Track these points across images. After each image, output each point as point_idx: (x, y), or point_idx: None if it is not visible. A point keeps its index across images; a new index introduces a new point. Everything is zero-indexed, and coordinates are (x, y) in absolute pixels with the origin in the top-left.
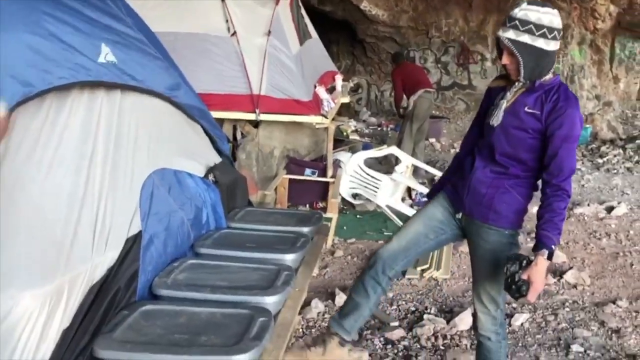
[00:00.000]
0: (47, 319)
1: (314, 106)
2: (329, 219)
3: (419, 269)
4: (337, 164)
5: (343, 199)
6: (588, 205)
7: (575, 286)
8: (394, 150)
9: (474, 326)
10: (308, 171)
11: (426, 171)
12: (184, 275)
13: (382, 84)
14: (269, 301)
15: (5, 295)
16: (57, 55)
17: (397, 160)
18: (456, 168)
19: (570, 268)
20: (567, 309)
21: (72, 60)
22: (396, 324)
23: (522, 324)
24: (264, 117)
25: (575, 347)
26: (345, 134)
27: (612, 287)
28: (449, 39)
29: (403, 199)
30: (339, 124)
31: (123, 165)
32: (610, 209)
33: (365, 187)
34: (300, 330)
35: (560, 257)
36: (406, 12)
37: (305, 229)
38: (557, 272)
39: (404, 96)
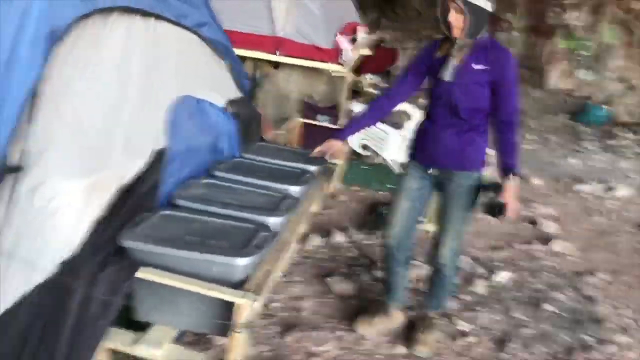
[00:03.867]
0: (83, 207)
1: (334, 54)
2: (335, 165)
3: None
4: (349, 114)
5: (353, 150)
6: (589, 184)
7: (559, 255)
8: (406, 106)
9: (434, 257)
10: (321, 117)
11: None
12: (200, 191)
13: (407, 41)
14: (272, 221)
15: (51, 182)
16: None
17: (408, 117)
18: (374, 111)
19: (559, 238)
20: (547, 274)
21: None
22: None
23: (500, 280)
24: (284, 59)
25: (546, 306)
26: (360, 85)
27: (595, 260)
28: None
29: None
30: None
31: (153, 87)
32: (610, 190)
33: (374, 139)
34: (297, 258)
35: (551, 226)
36: None
37: (311, 167)
38: (545, 240)
39: None
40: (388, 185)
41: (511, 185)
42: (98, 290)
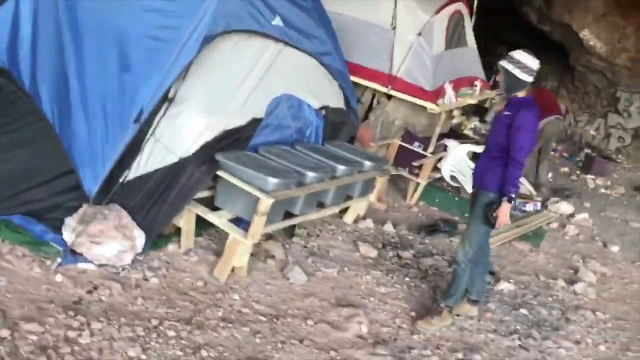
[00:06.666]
0: (201, 133)
1: (433, 96)
2: (388, 168)
3: None
4: (442, 147)
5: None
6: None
7: (576, 294)
8: None
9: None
10: (416, 144)
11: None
12: (278, 151)
13: (581, 114)
14: (308, 174)
15: (188, 113)
16: (250, 14)
17: None
18: None
19: (590, 286)
20: (549, 298)
21: (258, 19)
22: (413, 252)
23: (501, 289)
24: (393, 92)
25: (523, 311)
26: (462, 128)
27: (609, 307)
28: None
29: None
30: (459, 119)
31: (269, 83)
32: None
33: (462, 174)
34: (356, 233)
35: (590, 277)
36: (627, 52)
37: (366, 163)
38: (572, 282)
39: None
40: (467, 216)
41: (502, 206)
42: (199, 172)
